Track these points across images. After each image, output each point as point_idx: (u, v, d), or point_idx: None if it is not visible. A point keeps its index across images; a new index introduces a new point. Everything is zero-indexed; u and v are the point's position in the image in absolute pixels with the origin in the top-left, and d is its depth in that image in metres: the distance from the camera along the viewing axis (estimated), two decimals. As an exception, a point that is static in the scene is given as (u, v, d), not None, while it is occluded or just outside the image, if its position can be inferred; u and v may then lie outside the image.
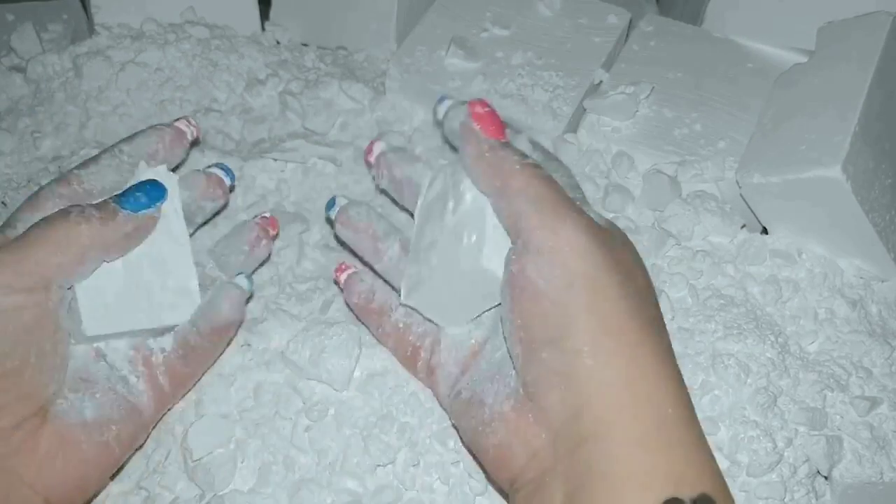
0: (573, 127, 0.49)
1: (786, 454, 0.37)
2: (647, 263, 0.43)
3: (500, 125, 0.34)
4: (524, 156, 0.33)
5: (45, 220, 0.33)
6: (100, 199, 0.35)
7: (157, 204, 0.36)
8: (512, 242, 0.32)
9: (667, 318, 0.40)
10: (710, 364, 0.38)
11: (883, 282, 0.44)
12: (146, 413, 0.36)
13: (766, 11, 0.53)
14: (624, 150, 0.48)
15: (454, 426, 0.36)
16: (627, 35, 0.55)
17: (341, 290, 0.40)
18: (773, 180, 0.42)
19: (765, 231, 0.45)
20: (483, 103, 0.34)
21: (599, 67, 0.51)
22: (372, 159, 0.41)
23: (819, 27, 0.47)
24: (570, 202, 0.32)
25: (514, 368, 0.32)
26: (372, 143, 0.41)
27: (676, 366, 0.31)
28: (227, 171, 0.40)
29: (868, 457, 0.39)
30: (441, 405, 0.37)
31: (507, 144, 0.33)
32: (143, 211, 0.35)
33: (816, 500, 0.37)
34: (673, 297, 0.41)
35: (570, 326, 0.30)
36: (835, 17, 0.47)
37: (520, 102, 0.49)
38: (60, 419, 0.33)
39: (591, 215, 0.32)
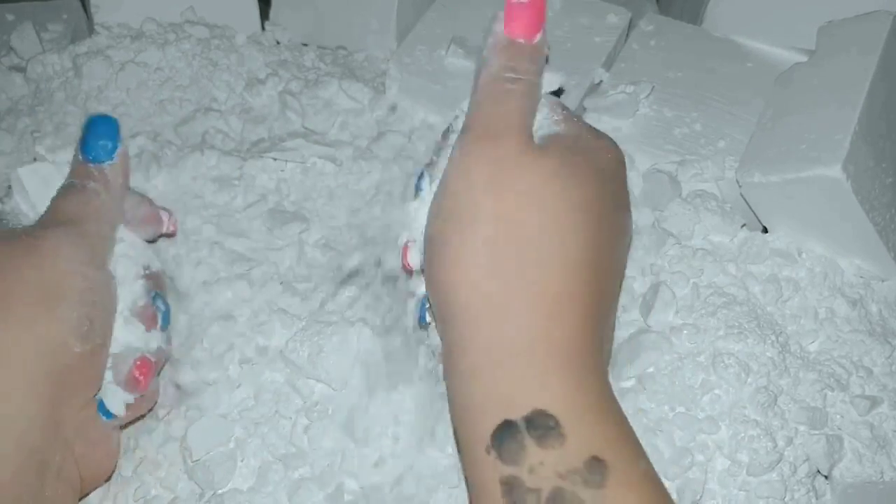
0: (573, 126, 0.49)
1: (786, 453, 0.37)
2: (647, 263, 0.43)
3: (530, 23, 0.31)
4: (515, 69, 0.31)
5: (62, 198, 0.36)
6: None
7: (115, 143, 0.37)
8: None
9: (669, 313, 0.40)
10: (711, 363, 0.38)
11: (883, 281, 0.44)
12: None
13: (766, 11, 0.53)
14: (624, 149, 0.47)
15: None
16: (627, 34, 0.55)
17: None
18: (773, 179, 0.42)
19: (765, 230, 0.45)
20: None
21: (600, 67, 0.51)
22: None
23: (819, 26, 0.47)
24: (483, 126, 0.31)
25: None
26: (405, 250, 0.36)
27: (577, 306, 0.30)
28: (165, 313, 0.38)
29: (868, 456, 0.39)
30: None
31: (513, 47, 0.32)
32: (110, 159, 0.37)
33: (817, 499, 0.37)
34: (675, 295, 0.41)
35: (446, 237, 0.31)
36: (835, 16, 0.47)
37: (520, 102, 0.49)
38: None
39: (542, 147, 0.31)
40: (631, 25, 0.55)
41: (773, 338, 0.39)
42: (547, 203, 0.30)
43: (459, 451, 0.31)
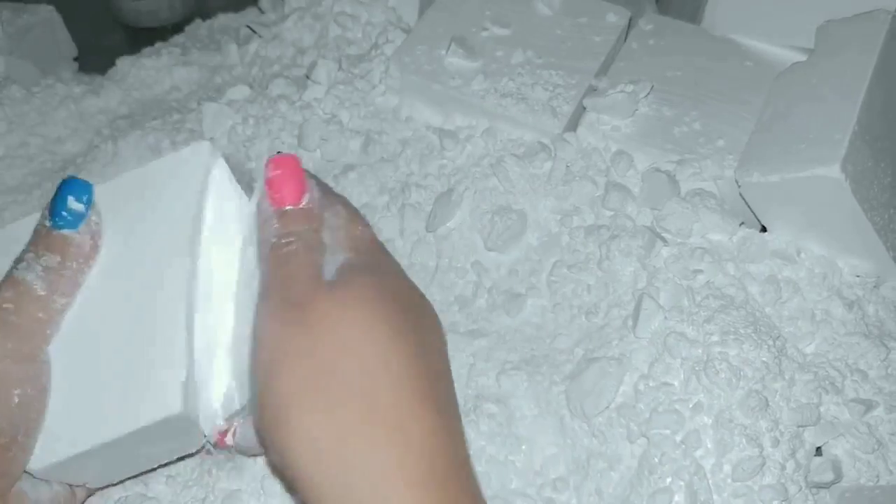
0: (573, 125, 0.49)
1: (780, 458, 0.37)
2: (640, 264, 0.43)
3: (292, 191, 0.32)
4: (290, 234, 0.31)
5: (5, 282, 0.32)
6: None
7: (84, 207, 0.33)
8: None
9: (659, 319, 0.40)
10: (703, 369, 0.38)
11: (882, 282, 0.44)
12: (78, 499, 0.36)
13: (764, 10, 0.53)
14: (623, 148, 0.48)
15: None
16: (627, 34, 0.55)
17: None
18: (772, 179, 0.42)
19: (763, 229, 0.45)
20: (277, 162, 0.32)
21: (599, 68, 0.51)
22: None
23: (818, 25, 0.47)
24: (275, 289, 0.30)
25: None
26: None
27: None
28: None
29: (864, 460, 0.39)
30: None
31: (283, 216, 0.32)
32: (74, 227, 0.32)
33: (814, 503, 0.37)
34: (668, 298, 0.41)
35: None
36: (834, 15, 0.47)
37: (520, 101, 0.49)
38: (21, 497, 0.33)
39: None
40: (630, 25, 0.55)
41: (770, 342, 0.39)
42: (360, 335, 0.29)
43: None
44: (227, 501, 0.38)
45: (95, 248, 0.33)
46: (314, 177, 0.34)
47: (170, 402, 0.31)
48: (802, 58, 0.48)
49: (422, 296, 0.33)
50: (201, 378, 0.33)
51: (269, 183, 0.32)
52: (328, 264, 0.32)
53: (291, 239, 0.31)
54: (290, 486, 0.30)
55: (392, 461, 0.27)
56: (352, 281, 0.30)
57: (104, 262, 0.34)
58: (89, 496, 0.38)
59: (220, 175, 0.35)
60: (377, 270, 0.32)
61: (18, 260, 0.32)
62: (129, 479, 0.38)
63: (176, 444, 0.34)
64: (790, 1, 0.52)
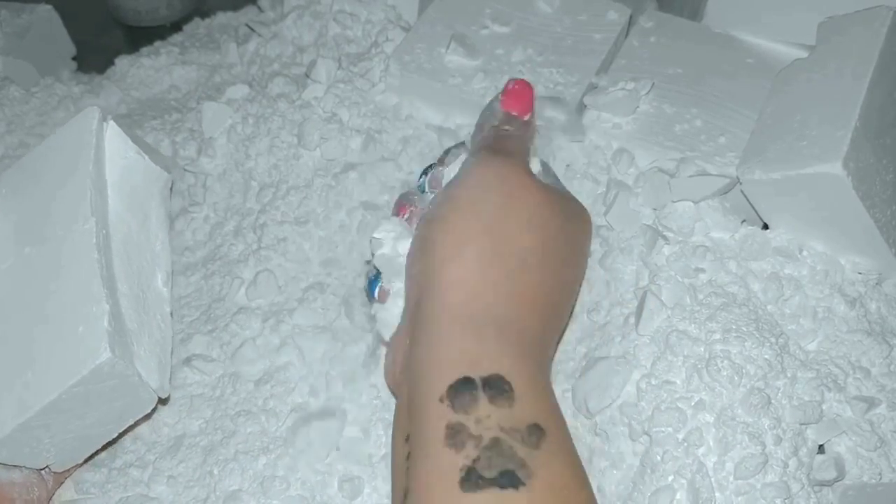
0: (573, 123, 0.49)
1: (783, 456, 0.37)
2: (642, 262, 0.43)
3: (522, 104, 0.39)
4: (510, 127, 0.39)
5: None
6: None
7: None
8: None
9: (662, 317, 0.40)
10: (705, 367, 0.38)
11: (885, 279, 0.44)
12: (48, 485, 0.38)
13: (766, 7, 0.53)
14: (624, 146, 0.48)
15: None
16: (627, 31, 0.55)
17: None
18: (773, 176, 0.42)
19: (765, 227, 0.45)
20: (519, 81, 0.40)
21: (599, 66, 0.51)
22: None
23: (819, 22, 0.47)
24: (490, 149, 0.37)
25: None
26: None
27: (519, 277, 0.35)
28: None
29: (867, 457, 0.39)
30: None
31: (508, 115, 0.39)
32: None
33: (816, 501, 0.37)
34: (670, 296, 0.41)
35: (433, 241, 0.36)
36: (835, 11, 0.47)
37: (520, 99, 0.49)
38: None
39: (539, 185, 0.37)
40: (631, 22, 0.55)
41: (773, 340, 0.39)
42: (541, 220, 0.36)
43: (410, 405, 0.33)
44: (228, 502, 0.38)
45: None
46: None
47: (96, 349, 0.32)
48: (804, 54, 0.48)
49: (586, 254, 0.41)
50: (132, 328, 0.34)
51: (507, 91, 0.40)
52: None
53: (508, 129, 0.38)
54: (420, 283, 0.36)
55: (513, 320, 0.34)
56: (558, 194, 0.38)
57: (14, 235, 0.35)
58: (60, 483, 0.38)
59: (113, 136, 0.37)
60: (576, 210, 0.40)
61: None
62: (95, 454, 0.38)
63: (122, 402, 0.35)
64: (791, -2, 0.52)
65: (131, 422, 0.36)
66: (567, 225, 0.38)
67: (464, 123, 0.50)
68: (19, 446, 0.33)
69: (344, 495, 0.39)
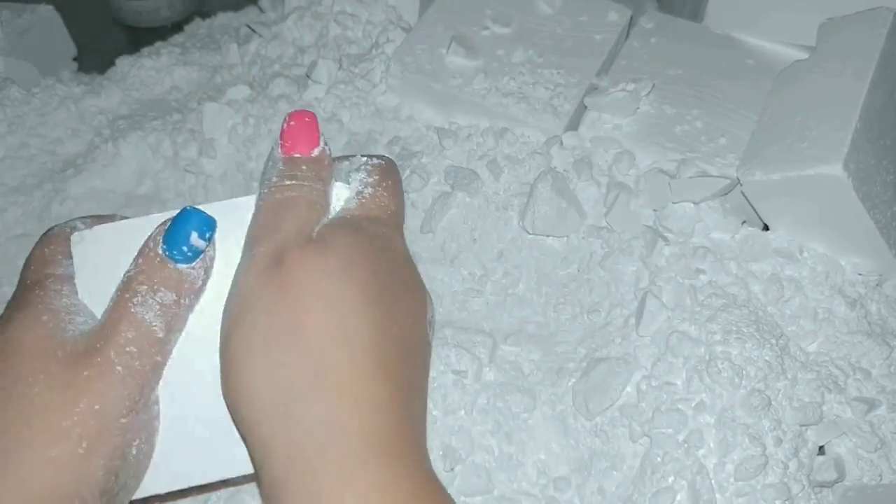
0: (574, 124, 0.49)
1: (783, 457, 0.37)
2: (642, 263, 0.43)
3: (305, 141, 0.31)
4: (293, 177, 0.31)
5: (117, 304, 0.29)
6: None
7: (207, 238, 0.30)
8: None
9: (662, 318, 0.40)
10: (705, 368, 0.38)
11: (885, 280, 0.44)
12: None
13: (766, 8, 0.53)
14: (625, 147, 0.48)
15: None
16: (628, 32, 0.55)
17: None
18: (774, 177, 0.42)
19: (766, 228, 0.45)
20: (294, 115, 0.32)
21: (600, 67, 0.51)
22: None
23: (820, 23, 0.47)
24: (262, 234, 0.30)
25: None
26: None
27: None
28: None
29: (867, 459, 0.39)
30: None
31: (290, 160, 0.31)
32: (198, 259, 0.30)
33: (817, 502, 0.37)
34: (670, 297, 0.41)
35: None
36: (836, 13, 0.47)
37: (521, 100, 0.49)
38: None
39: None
40: (631, 23, 0.55)
41: (773, 341, 0.39)
42: (329, 297, 0.28)
43: None
44: (229, 502, 0.38)
45: (206, 283, 0.31)
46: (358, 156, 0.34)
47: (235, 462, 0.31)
48: (804, 56, 0.48)
49: (414, 274, 0.32)
50: None
51: (283, 133, 0.32)
52: (323, 223, 0.31)
53: (291, 183, 0.31)
54: (245, 441, 0.29)
55: (338, 425, 0.27)
56: (333, 239, 0.30)
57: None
58: None
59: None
60: (371, 236, 0.31)
61: (127, 290, 0.29)
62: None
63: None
64: (792, -1, 0.52)
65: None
66: (371, 268, 0.30)
67: (464, 124, 0.50)
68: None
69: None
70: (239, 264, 0.30)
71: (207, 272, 0.31)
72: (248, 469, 0.30)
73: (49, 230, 0.33)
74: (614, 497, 0.38)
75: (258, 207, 0.31)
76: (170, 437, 0.31)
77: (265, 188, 0.31)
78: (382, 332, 0.29)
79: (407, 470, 0.27)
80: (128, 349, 0.29)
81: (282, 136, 0.32)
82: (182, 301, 0.30)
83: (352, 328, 0.28)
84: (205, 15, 0.73)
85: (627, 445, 0.38)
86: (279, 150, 0.32)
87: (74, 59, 0.68)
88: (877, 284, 0.44)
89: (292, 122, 0.31)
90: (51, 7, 0.65)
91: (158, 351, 0.30)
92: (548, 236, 0.45)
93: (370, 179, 0.33)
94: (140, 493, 0.31)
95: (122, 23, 0.74)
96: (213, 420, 0.31)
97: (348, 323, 0.28)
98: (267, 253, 0.29)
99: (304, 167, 0.31)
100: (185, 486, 0.31)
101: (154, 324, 0.29)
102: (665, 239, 0.44)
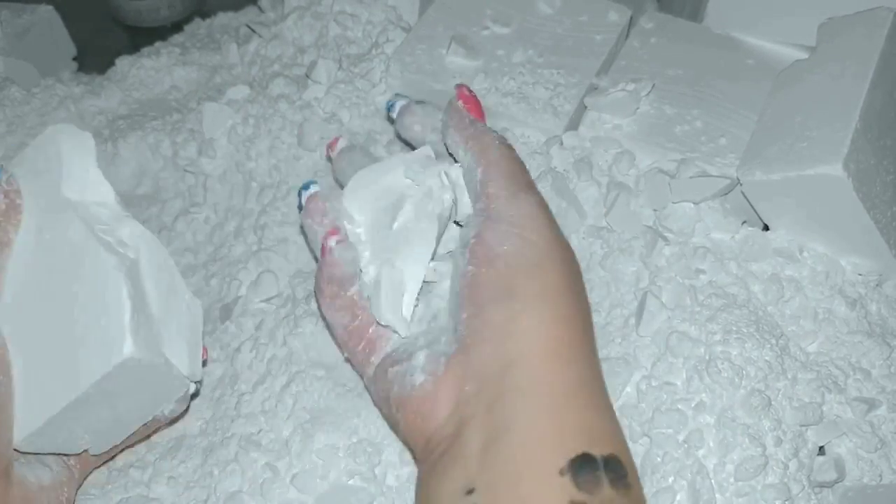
0: (574, 124, 0.49)
1: (783, 457, 0.37)
2: (642, 263, 0.43)
3: (482, 110, 0.40)
4: (502, 137, 0.38)
5: None
6: None
7: None
8: (474, 207, 0.37)
9: (662, 318, 0.40)
10: (705, 368, 0.38)
11: (885, 280, 0.44)
12: (76, 477, 0.37)
13: (766, 8, 0.53)
14: (625, 147, 0.48)
15: (373, 396, 0.38)
16: (628, 32, 0.55)
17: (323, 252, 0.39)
18: (774, 178, 0.42)
19: (766, 228, 0.45)
20: (468, 88, 0.40)
21: (600, 67, 0.51)
22: (333, 154, 0.44)
23: (820, 23, 0.47)
24: (532, 183, 0.37)
25: (454, 326, 0.35)
26: (335, 140, 0.44)
27: (594, 338, 0.35)
28: None
29: (867, 459, 0.39)
30: (364, 375, 0.38)
31: (486, 125, 0.39)
32: None
33: (817, 502, 0.37)
34: (670, 297, 0.41)
35: (516, 288, 0.33)
36: (836, 13, 0.47)
37: (521, 100, 0.49)
38: (23, 483, 0.33)
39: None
40: (631, 23, 0.55)
41: (773, 341, 0.39)
42: (538, 225, 0.36)
43: (491, 462, 0.31)
44: (229, 502, 0.38)
45: (14, 206, 0.35)
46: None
47: (119, 345, 0.32)
48: (804, 56, 0.48)
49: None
50: (158, 314, 0.34)
51: (466, 98, 0.40)
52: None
53: (507, 142, 0.39)
54: (504, 365, 0.33)
55: (596, 376, 0.34)
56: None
57: (35, 219, 0.36)
58: (91, 469, 0.38)
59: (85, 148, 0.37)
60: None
61: None
62: (130, 445, 0.38)
63: (154, 391, 0.35)
64: (792, -1, 0.52)
65: (167, 407, 0.36)
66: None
67: (464, 124, 0.50)
68: (53, 437, 0.34)
69: (344, 497, 0.39)
70: (524, 203, 0.36)
71: (10, 195, 0.35)
72: (95, 378, 0.32)
73: None
74: (614, 497, 0.38)
75: (510, 158, 0.38)
76: (28, 373, 0.33)
77: (496, 138, 0.38)
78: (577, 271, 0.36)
79: (583, 368, 0.33)
80: None
81: (465, 100, 0.40)
82: None
83: (579, 275, 0.36)
84: (205, 15, 0.73)
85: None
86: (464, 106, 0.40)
87: (74, 59, 0.68)
88: (877, 284, 0.44)
89: (471, 95, 0.40)
90: (51, 7, 0.65)
91: None
92: (548, 236, 0.45)
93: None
94: (21, 434, 0.33)
95: (121, 23, 0.74)
96: (61, 345, 0.33)
97: (578, 271, 0.36)
98: (544, 204, 0.37)
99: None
100: (52, 413, 0.33)
101: None
102: (665, 239, 0.44)
